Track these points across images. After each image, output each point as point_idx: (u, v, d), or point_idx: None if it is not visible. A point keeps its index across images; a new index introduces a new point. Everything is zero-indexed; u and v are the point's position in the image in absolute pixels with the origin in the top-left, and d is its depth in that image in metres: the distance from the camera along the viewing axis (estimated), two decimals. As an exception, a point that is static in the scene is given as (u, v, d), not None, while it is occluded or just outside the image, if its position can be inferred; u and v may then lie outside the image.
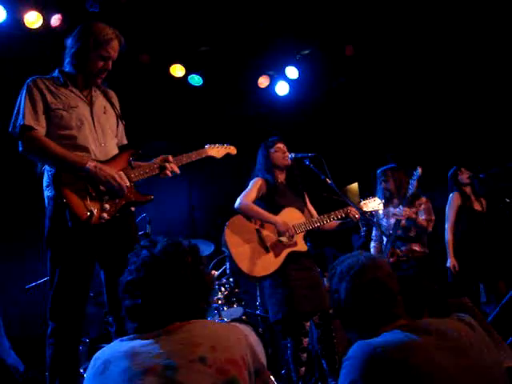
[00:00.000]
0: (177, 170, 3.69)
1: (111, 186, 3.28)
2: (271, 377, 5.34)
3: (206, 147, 4.08)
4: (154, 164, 3.63)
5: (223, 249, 4.61)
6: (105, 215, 3.25)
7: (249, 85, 8.17)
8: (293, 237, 4.53)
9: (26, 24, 6.09)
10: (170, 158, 3.69)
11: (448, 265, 6.22)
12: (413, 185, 5.40)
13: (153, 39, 7.03)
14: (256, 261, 4.43)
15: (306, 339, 4.48)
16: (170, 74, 7.49)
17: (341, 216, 4.75)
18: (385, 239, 5.64)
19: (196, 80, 7.76)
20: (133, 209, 3.55)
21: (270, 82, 8.18)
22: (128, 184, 3.37)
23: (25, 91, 3.37)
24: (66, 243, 3.21)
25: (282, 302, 4.41)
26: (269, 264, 4.45)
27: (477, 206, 6.33)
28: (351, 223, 4.86)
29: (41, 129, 3.30)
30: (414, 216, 5.48)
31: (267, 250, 4.50)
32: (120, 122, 3.70)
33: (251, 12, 6.80)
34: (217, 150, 4.14)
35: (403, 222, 5.45)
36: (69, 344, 3.15)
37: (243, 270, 4.39)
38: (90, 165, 3.25)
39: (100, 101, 3.58)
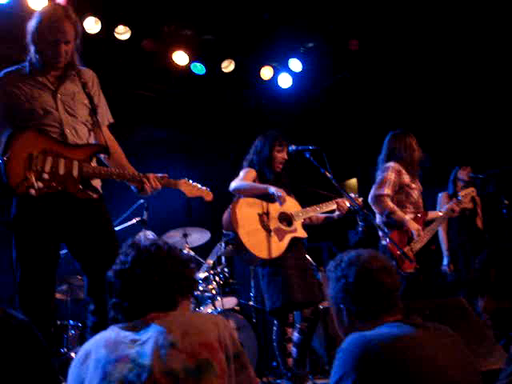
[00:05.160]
0: (158, 186, 3.54)
1: None
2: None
3: (182, 180, 3.79)
4: (125, 173, 3.49)
5: (227, 231, 4.63)
6: (40, 184, 3.16)
7: (251, 76, 8.13)
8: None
9: (30, 4, 6.03)
10: (151, 175, 3.53)
11: (445, 264, 6.21)
12: None
13: (157, 25, 7.00)
14: (262, 243, 4.45)
15: (291, 329, 4.52)
16: (173, 61, 7.44)
17: (331, 207, 4.85)
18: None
19: (199, 68, 7.72)
20: (95, 196, 3.42)
21: (273, 73, 8.15)
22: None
23: None
24: (27, 227, 3.22)
25: (280, 290, 4.43)
26: (274, 248, 4.48)
27: (468, 205, 6.23)
28: (337, 217, 4.93)
29: None
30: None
31: (271, 235, 4.52)
32: (96, 104, 3.58)
33: (257, 2, 6.76)
34: (191, 188, 3.84)
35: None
36: (40, 330, 3.16)
37: (252, 251, 4.41)
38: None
39: (68, 86, 3.48)
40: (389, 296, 2.07)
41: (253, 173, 4.76)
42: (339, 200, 4.85)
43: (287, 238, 4.58)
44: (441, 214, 5.30)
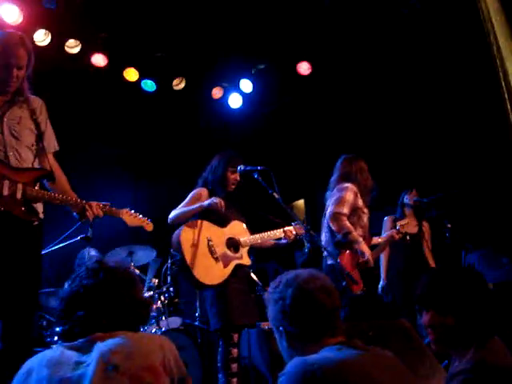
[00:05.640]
0: (100, 214, 3.61)
1: None
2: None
3: (124, 210, 3.89)
4: (68, 198, 3.52)
5: (175, 252, 4.63)
6: None
7: (202, 95, 8.14)
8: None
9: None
10: (94, 203, 3.59)
11: (380, 286, 6.31)
12: None
13: (109, 41, 6.95)
14: (207, 269, 4.48)
15: (235, 350, 4.52)
16: (124, 77, 7.39)
17: (279, 235, 4.91)
18: None
19: (149, 85, 7.69)
20: (36, 222, 3.42)
21: (224, 93, 8.18)
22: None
23: None
24: None
25: (221, 313, 4.48)
26: (218, 274, 4.52)
27: (412, 230, 6.30)
28: (285, 243, 4.99)
29: None
30: None
31: (217, 260, 4.55)
32: (42, 131, 3.59)
33: (210, 22, 6.79)
34: (132, 218, 3.94)
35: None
36: None
37: (195, 276, 4.41)
38: None
39: (15, 111, 3.48)
40: (328, 317, 2.05)
41: (203, 192, 4.78)
42: (287, 229, 4.91)
43: (232, 265, 4.62)
44: (380, 240, 5.55)
